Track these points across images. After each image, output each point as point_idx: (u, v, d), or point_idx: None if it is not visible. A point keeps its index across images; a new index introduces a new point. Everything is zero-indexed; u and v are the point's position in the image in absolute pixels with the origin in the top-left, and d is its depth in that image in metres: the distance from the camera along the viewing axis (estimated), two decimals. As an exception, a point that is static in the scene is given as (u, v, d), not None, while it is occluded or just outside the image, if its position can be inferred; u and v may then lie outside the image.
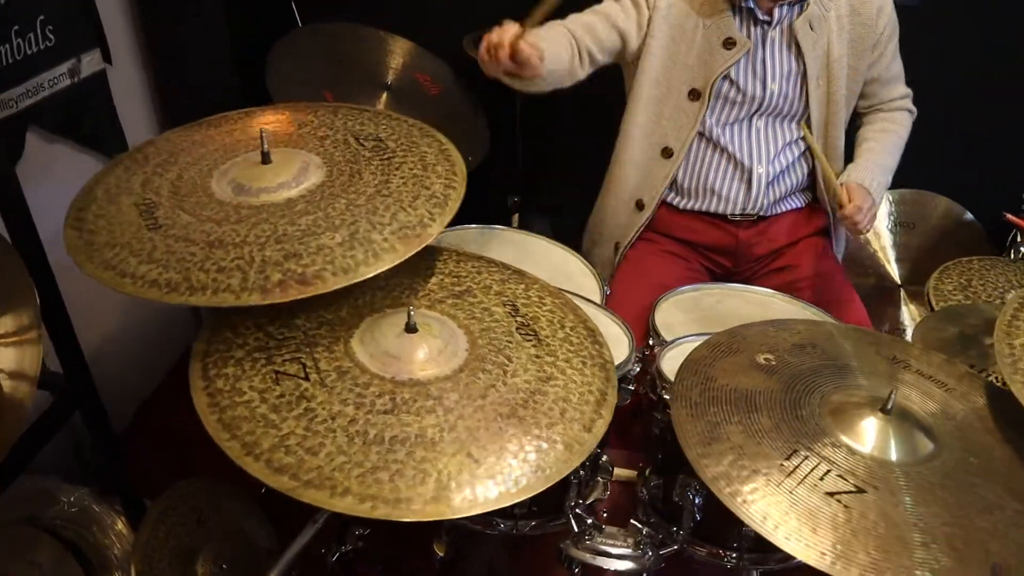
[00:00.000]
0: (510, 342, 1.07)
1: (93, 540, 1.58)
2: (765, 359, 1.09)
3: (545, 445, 0.93)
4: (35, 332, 1.13)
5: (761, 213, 1.75)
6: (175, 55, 2.03)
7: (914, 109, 1.81)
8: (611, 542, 1.16)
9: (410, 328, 1.02)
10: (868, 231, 1.64)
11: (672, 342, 1.33)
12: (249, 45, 2.04)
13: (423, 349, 1.01)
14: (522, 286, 1.19)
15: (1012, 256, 2.03)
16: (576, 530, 1.17)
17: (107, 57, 1.82)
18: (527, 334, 1.09)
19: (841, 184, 1.62)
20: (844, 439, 0.97)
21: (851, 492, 0.89)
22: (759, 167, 1.70)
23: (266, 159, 1.12)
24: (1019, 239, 2.02)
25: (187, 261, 0.98)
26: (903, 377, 1.09)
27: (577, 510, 1.17)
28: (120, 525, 1.62)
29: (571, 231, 1.92)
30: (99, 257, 1.00)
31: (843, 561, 0.82)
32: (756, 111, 1.67)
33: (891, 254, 2.33)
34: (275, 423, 0.91)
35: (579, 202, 1.97)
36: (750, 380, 1.05)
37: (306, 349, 1.01)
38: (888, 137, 1.76)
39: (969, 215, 2.31)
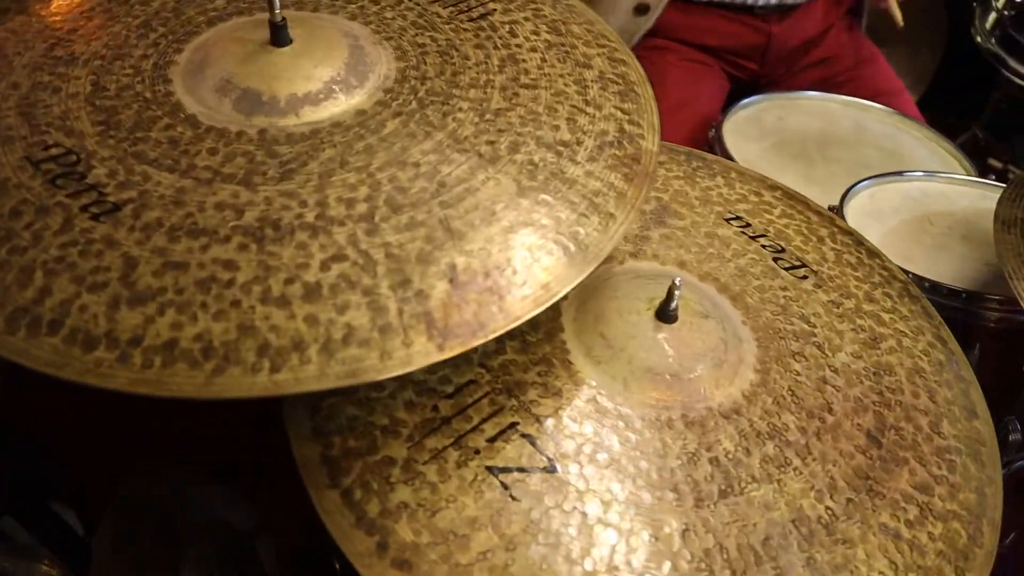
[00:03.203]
0: (784, 289, 0.65)
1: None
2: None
3: (948, 470, 0.56)
4: None
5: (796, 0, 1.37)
6: None
7: None
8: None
9: (668, 315, 0.56)
10: None
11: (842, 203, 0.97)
12: None
13: (700, 347, 0.56)
14: (720, 178, 0.74)
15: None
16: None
17: None
18: (793, 266, 0.67)
19: None
20: None
21: None
22: None
23: (279, 36, 0.54)
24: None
25: (221, 282, 0.44)
26: None
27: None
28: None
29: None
30: (8, 303, 0.43)
31: None
32: None
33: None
34: (559, 588, 0.45)
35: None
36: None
37: (512, 401, 0.53)
38: None
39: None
